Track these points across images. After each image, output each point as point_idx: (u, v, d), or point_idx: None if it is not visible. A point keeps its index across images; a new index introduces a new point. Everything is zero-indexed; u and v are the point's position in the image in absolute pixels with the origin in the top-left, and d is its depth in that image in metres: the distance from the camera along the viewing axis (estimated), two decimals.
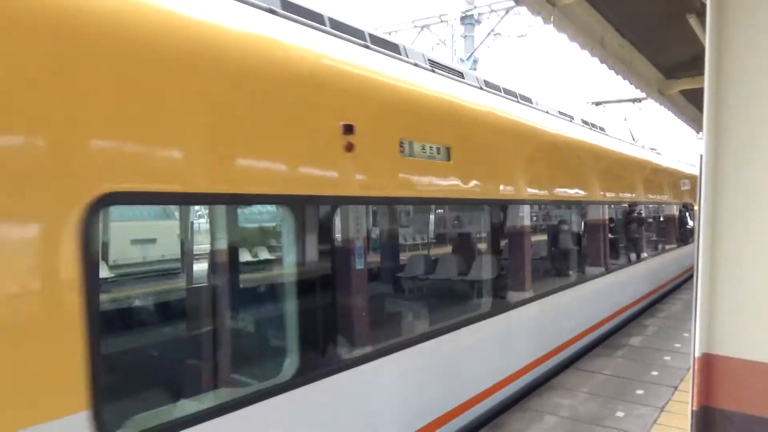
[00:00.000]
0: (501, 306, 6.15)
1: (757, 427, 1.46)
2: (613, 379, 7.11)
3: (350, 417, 3.97)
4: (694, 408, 1.51)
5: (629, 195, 11.60)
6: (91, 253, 2.45)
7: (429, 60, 5.83)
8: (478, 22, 17.46)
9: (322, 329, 3.85)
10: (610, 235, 9.92)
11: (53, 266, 2.34)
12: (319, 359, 3.73)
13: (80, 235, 2.40)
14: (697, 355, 1.50)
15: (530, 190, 6.88)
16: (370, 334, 4.29)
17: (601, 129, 11.08)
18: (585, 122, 10.16)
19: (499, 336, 6.14)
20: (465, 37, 17.84)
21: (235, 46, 3.30)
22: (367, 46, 4.75)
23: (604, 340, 9.17)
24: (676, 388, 6.73)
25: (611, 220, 10.53)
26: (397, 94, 4.78)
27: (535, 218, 8.04)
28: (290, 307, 3.76)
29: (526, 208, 6.76)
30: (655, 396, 6.45)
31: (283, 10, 4.01)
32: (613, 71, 8.21)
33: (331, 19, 4.60)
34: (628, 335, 9.36)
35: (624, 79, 8.77)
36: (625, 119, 19.45)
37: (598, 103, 19.66)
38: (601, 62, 7.67)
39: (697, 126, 15.65)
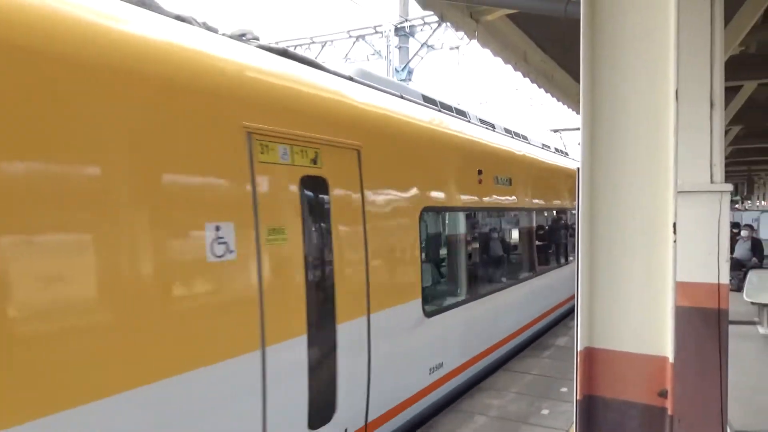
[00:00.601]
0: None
1: (632, 411, 1.63)
2: (540, 379, 7.43)
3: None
4: (579, 398, 1.66)
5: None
6: (421, 230, 5.89)
7: (479, 119, 9.13)
8: (412, 34, 17.79)
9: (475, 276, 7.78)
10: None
11: (414, 234, 5.71)
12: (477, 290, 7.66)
13: (419, 223, 5.80)
14: (579, 349, 1.65)
15: (542, 202, 10.56)
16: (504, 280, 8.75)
17: (565, 153, 15.17)
18: (557, 150, 14.11)
19: None
20: (400, 48, 18.13)
21: (451, 136, 7.20)
22: (452, 115, 7.85)
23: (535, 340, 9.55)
24: None
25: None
26: (492, 148, 8.43)
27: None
28: (466, 261, 7.50)
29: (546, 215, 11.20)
30: None
31: (424, 102, 7.21)
32: (535, 84, 8.64)
33: (441, 103, 7.78)
34: (555, 336, 9.78)
35: (546, 92, 9.22)
36: (578, 144, 23.52)
37: (555, 131, 23.05)
38: (524, 76, 8.04)
39: None
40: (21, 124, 2.51)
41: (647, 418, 1.59)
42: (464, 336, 7.02)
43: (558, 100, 10.05)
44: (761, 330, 9.82)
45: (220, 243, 3.38)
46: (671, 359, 1.55)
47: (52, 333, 2.62)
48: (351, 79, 5.50)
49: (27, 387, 2.50)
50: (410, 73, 18.09)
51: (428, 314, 5.95)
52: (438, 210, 6.79)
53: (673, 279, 1.55)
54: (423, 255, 5.97)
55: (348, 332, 4.58)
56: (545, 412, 6.23)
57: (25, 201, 2.52)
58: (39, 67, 2.61)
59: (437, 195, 6.33)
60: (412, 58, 17.85)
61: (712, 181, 3.20)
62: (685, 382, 3.28)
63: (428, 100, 7.35)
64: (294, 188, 4.05)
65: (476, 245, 7.85)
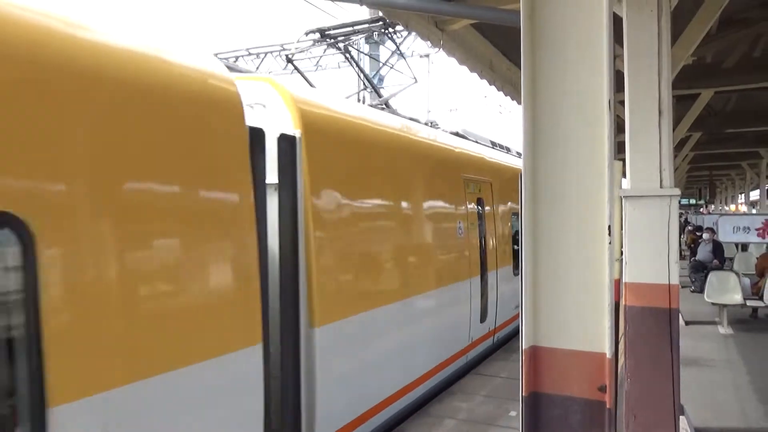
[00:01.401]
0: None
1: (575, 406, 1.70)
2: (509, 381, 7.54)
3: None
4: (524, 395, 1.74)
5: None
6: (511, 225, 10.29)
7: (516, 152, 12.36)
8: (382, 42, 17.90)
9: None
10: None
11: (509, 227, 10.11)
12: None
13: (510, 221, 10.18)
14: (524, 347, 1.73)
15: None
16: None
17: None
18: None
19: None
20: (370, 56, 18.24)
21: (515, 169, 10.31)
22: (504, 152, 11.53)
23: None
24: None
25: None
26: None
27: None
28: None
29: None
30: None
31: (491, 145, 10.90)
32: (502, 92, 8.82)
33: (499, 144, 11.57)
34: None
35: (512, 99, 9.43)
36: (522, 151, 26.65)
37: None
38: (490, 84, 8.22)
39: None
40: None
41: (588, 413, 1.66)
42: None
43: None
44: (721, 330, 10.14)
45: (459, 230, 7.43)
46: (609, 355, 1.63)
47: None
48: (462, 135, 9.40)
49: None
50: (381, 80, 18.21)
51: (515, 273, 9.65)
52: (516, 214, 10.34)
53: (609, 279, 1.63)
54: (511, 238, 9.99)
55: (490, 277, 8.57)
56: (513, 413, 6.32)
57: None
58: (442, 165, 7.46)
59: (516, 205, 9.93)
60: (383, 65, 17.97)
61: (661, 186, 3.34)
62: (640, 380, 3.41)
63: (493, 144, 11.32)
64: (473, 204, 8.08)
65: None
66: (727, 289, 10.33)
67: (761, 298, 10.21)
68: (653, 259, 3.34)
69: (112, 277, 2.63)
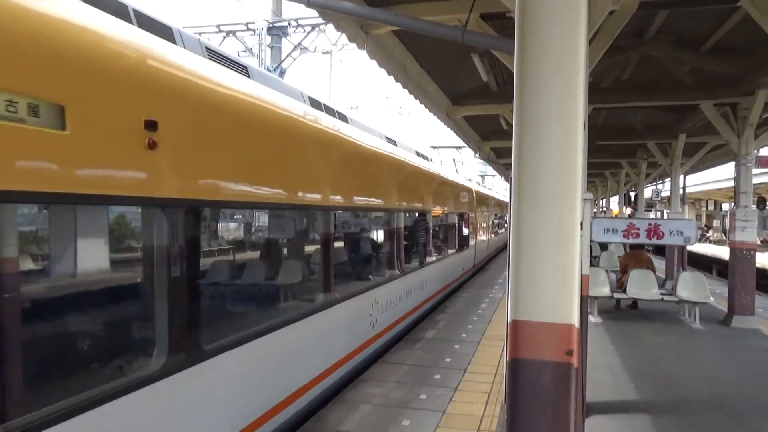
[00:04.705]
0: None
1: (547, 368, 2.08)
2: (416, 368, 8.03)
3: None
4: (508, 360, 2.09)
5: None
6: None
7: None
8: (285, 34, 17.79)
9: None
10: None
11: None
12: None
13: None
14: (509, 320, 2.08)
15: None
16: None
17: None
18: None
19: None
20: (272, 47, 18.03)
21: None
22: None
23: (406, 334, 10.24)
24: (465, 370, 7.89)
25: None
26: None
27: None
28: None
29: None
30: (449, 379, 7.49)
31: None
32: (412, 96, 9.31)
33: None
34: (423, 329, 10.54)
35: (420, 103, 9.96)
36: (453, 160, 34.63)
37: (435, 147, 32.25)
38: (404, 87, 8.65)
39: (474, 145, 18.14)
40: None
41: (557, 373, 2.05)
42: None
43: (430, 111, 10.87)
44: (592, 319, 11.46)
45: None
46: (576, 325, 2.03)
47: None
48: None
49: None
50: (282, 73, 18.08)
51: None
52: None
53: (579, 265, 2.03)
54: None
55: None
56: (423, 396, 6.80)
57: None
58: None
59: None
60: (285, 58, 17.85)
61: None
62: None
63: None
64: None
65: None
66: (597, 284, 11.69)
67: (625, 291, 11.69)
68: None
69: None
